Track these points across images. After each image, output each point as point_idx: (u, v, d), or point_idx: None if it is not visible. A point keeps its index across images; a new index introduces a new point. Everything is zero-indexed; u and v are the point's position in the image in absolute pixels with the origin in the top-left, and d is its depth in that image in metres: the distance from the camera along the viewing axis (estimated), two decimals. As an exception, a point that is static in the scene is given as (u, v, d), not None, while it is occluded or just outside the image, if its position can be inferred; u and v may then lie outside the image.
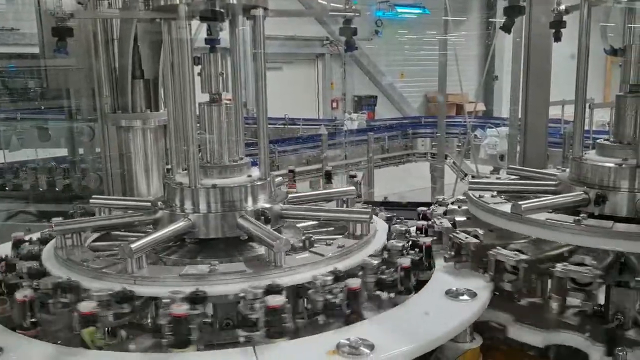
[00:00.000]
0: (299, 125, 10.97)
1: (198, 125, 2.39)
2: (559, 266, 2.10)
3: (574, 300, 2.23)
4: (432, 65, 14.49)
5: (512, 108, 7.32)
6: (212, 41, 2.48)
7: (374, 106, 16.74)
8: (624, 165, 2.40)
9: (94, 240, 2.52)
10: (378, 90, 17.70)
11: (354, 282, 1.88)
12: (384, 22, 16.87)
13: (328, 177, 3.80)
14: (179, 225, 2.24)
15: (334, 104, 17.17)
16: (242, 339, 1.75)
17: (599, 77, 16.95)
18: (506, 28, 2.90)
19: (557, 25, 2.99)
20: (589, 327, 2.10)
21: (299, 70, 16.75)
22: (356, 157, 9.41)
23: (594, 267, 2.07)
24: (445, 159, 9.81)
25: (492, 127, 9.67)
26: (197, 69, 2.44)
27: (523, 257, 2.17)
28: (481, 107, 14.99)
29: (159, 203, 2.42)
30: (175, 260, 2.26)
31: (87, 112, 4.33)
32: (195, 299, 1.79)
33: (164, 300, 1.78)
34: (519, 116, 6.03)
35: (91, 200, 2.75)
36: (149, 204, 2.53)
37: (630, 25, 2.63)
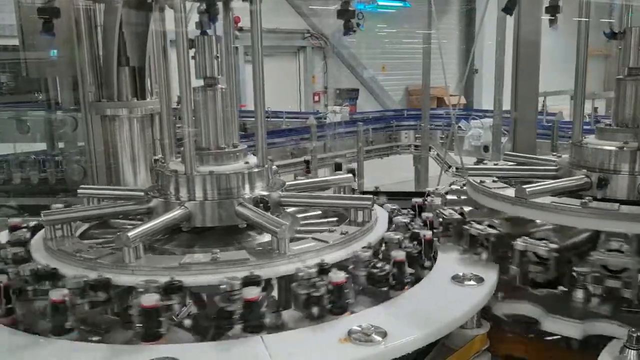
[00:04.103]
0: (282, 118, 10.87)
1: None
2: (595, 254, 2.06)
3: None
4: (413, 59, 14.53)
5: (497, 98, 7.34)
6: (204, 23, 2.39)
7: (356, 99, 16.68)
8: (625, 148, 2.39)
9: (84, 231, 2.43)
10: (360, 84, 17.65)
11: (337, 276, 1.79)
12: (365, 15, 16.79)
13: (307, 166, 3.73)
14: (175, 213, 2.16)
15: (316, 97, 17.09)
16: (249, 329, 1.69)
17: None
18: (508, 10, 2.87)
19: (553, 10, 2.98)
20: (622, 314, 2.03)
21: (280, 64, 16.60)
22: (342, 150, 9.36)
23: (627, 253, 2.04)
24: (429, 150, 9.82)
25: (476, 119, 9.71)
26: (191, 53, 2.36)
27: (553, 246, 2.12)
28: (462, 100, 15.05)
29: (154, 191, 2.34)
30: (171, 250, 2.18)
31: (69, 102, 4.20)
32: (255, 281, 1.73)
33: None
34: (510, 107, 6.02)
35: (79, 191, 2.64)
36: (141, 193, 2.44)
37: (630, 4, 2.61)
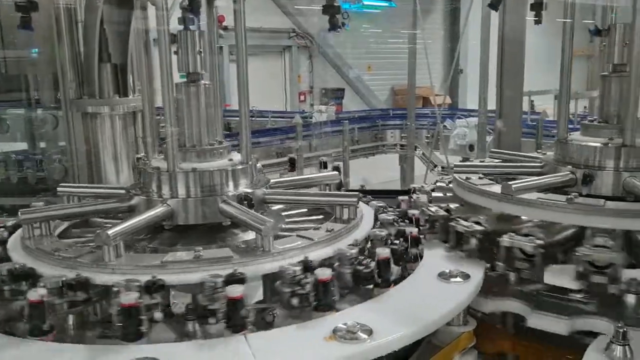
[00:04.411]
0: (268, 117, 10.82)
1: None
2: (582, 249, 2.06)
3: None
4: (398, 58, 14.55)
5: (482, 97, 7.36)
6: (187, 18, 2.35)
7: (342, 99, 16.68)
8: (610, 145, 2.39)
9: (63, 231, 2.38)
10: (345, 83, 17.65)
11: (324, 273, 1.76)
12: (351, 14, 16.79)
13: (292, 164, 3.69)
14: (157, 210, 2.12)
15: (302, 97, 17.05)
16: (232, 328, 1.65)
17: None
18: (493, 6, 2.87)
19: (538, 7, 2.98)
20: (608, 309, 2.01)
21: (266, 63, 16.54)
22: (327, 149, 9.33)
23: (613, 248, 2.03)
24: (415, 149, 9.84)
25: (461, 118, 9.74)
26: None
27: (539, 242, 2.11)
28: (447, 99, 15.11)
29: (135, 189, 2.29)
30: (153, 248, 2.14)
31: (50, 100, 4.12)
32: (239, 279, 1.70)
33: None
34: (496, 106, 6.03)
35: (59, 189, 2.58)
36: (123, 191, 2.40)
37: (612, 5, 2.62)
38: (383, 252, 1.94)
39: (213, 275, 1.70)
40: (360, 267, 1.91)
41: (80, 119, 3.75)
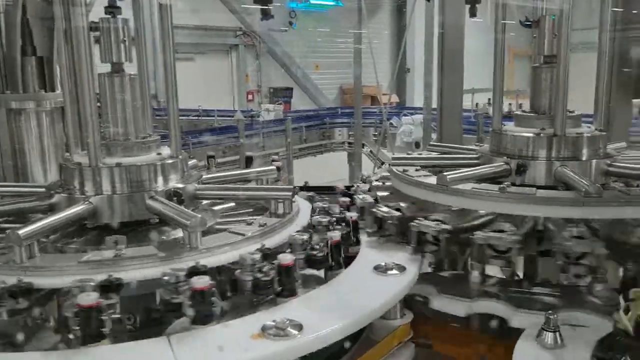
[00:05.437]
0: (214, 116, 10.63)
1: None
2: (479, 234, 2.07)
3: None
4: (346, 58, 14.59)
5: (426, 95, 7.45)
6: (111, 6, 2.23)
7: (290, 98, 16.60)
8: (541, 135, 2.41)
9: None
10: (294, 83, 17.58)
11: (286, 258, 1.72)
12: (298, 13, 16.75)
13: (249, 162, 3.59)
14: (78, 208, 1.99)
15: (250, 96, 16.86)
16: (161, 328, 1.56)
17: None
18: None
19: (473, 0, 3.00)
20: (508, 294, 2.09)
21: (213, 62, 16.26)
22: (275, 148, 9.24)
23: (513, 233, 2.06)
24: (363, 147, 9.88)
25: (407, 116, 9.85)
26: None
27: (445, 226, 2.15)
28: (395, 98, 15.29)
29: (57, 187, 2.15)
30: (75, 248, 2.01)
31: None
32: (109, 287, 1.57)
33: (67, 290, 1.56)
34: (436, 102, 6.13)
35: (-25, 189, 2.41)
36: (44, 189, 2.25)
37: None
38: (332, 235, 1.92)
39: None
40: (300, 259, 1.86)
41: (4, 115, 3.52)
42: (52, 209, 2.12)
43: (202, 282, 1.58)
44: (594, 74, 2.54)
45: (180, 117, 2.41)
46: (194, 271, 1.66)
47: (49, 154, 3.57)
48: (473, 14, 2.84)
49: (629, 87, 4.40)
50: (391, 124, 9.67)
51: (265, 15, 2.29)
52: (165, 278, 1.62)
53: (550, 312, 1.72)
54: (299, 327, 1.57)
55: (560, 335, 1.68)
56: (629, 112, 4.50)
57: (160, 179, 2.15)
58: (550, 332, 1.69)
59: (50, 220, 1.87)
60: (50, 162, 3.57)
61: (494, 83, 2.67)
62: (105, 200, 2.05)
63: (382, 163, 9.31)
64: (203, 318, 1.59)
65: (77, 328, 1.49)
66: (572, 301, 1.96)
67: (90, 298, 1.49)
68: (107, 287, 1.60)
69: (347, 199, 2.53)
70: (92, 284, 1.58)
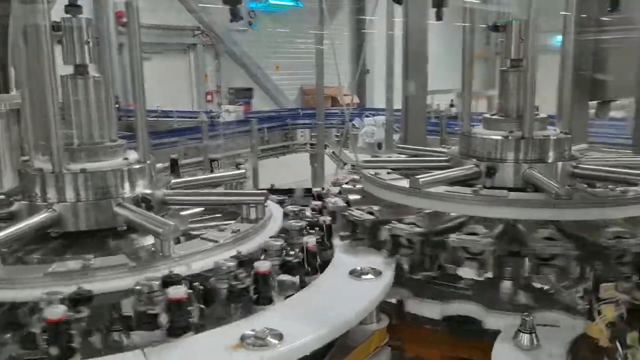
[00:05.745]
0: (173, 117, 10.43)
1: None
2: (453, 236, 2.08)
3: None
4: (307, 58, 14.57)
5: (388, 96, 7.51)
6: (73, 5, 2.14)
7: (251, 99, 16.46)
8: (510, 137, 2.45)
9: None
10: (254, 83, 17.45)
11: (264, 266, 1.69)
12: (258, 13, 16.64)
13: (212, 165, 3.52)
14: (40, 217, 1.90)
15: (209, 97, 16.63)
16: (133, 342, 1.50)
17: (459, 70, 17.88)
18: (398, 0, 2.88)
19: (439, 3, 3.02)
20: (483, 295, 2.11)
21: (171, 62, 15.95)
22: (236, 149, 9.13)
23: (486, 235, 2.08)
24: (325, 148, 9.88)
25: (369, 117, 9.90)
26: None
27: (419, 229, 2.15)
28: (356, 99, 15.36)
29: (17, 194, 2.05)
30: (38, 259, 1.92)
31: None
32: (78, 300, 1.50)
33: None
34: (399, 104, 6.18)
35: None
36: (2, 196, 2.14)
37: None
38: (308, 240, 1.89)
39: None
40: (275, 265, 1.82)
41: (-45, 118, 3.35)
42: (12, 218, 2.02)
43: (178, 292, 1.53)
44: (549, 76, 2.60)
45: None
46: (168, 280, 1.61)
47: (3, 158, 3.41)
48: (439, 17, 2.87)
49: (585, 90, 4.54)
50: (353, 125, 9.70)
51: (234, 16, 2.24)
52: (138, 288, 1.57)
53: (526, 313, 1.75)
54: (279, 337, 1.53)
55: (536, 336, 1.71)
56: (585, 114, 4.65)
57: (127, 185, 2.08)
58: (527, 333, 1.71)
59: (12, 229, 1.79)
60: (5, 166, 3.40)
61: (463, 86, 2.70)
62: (70, 208, 1.97)
63: (345, 164, 9.34)
64: (179, 329, 1.54)
65: (46, 344, 1.41)
66: (544, 301, 1.99)
67: (58, 311, 1.42)
68: (77, 300, 1.53)
69: (319, 203, 2.52)
70: (59, 297, 1.51)
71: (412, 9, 5.08)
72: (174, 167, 2.98)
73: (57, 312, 1.42)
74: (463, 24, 2.66)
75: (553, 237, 2.03)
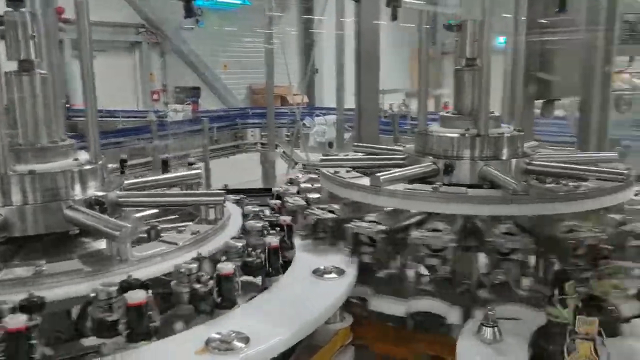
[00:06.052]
0: (119, 117, 10.11)
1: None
2: (415, 233, 2.10)
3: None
4: (255, 57, 14.47)
5: (339, 96, 7.54)
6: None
7: (198, 98, 16.15)
8: (466, 135, 2.49)
9: None
10: (201, 82, 17.15)
11: (227, 267, 1.64)
12: (205, 11, 16.35)
13: (165, 166, 3.41)
14: (-15, 221, 1.78)
15: (155, 96, 16.22)
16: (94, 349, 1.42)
17: (403, 70, 18.06)
18: None
19: (394, 3, 3.04)
20: (445, 291, 2.13)
21: (114, 60, 15.45)
22: (185, 149, 8.95)
23: (448, 232, 2.11)
24: (276, 148, 9.83)
25: (320, 116, 9.92)
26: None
27: (380, 227, 2.15)
28: (305, 98, 15.37)
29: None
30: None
31: None
32: (30, 308, 1.41)
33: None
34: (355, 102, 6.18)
35: None
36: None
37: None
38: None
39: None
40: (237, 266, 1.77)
41: None
42: (-48, 223, 1.89)
43: (137, 297, 1.47)
44: (492, 75, 2.65)
45: (82, 118, 2.24)
46: (126, 285, 1.54)
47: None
48: (395, 17, 2.89)
49: (532, 89, 4.69)
50: (304, 124, 9.70)
51: (189, 12, 2.17)
52: (92, 295, 1.49)
53: (488, 307, 1.77)
54: (246, 340, 1.49)
55: (499, 329, 1.74)
56: (531, 113, 4.80)
57: (78, 187, 1.98)
58: (489, 327, 1.74)
59: (-46, 236, 1.66)
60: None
61: (419, 86, 2.73)
62: (17, 212, 1.86)
63: (296, 163, 9.33)
64: (139, 335, 1.48)
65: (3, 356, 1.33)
66: (504, 295, 2.03)
67: (18, 321, 1.33)
68: (28, 308, 1.44)
69: (278, 202, 2.49)
70: (9, 305, 1.42)
71: (364, 9, 5.11)
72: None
73: (17, 321, 1.32)
74: (412, 25, 2.69)
75: (511, 232, 2.07)
